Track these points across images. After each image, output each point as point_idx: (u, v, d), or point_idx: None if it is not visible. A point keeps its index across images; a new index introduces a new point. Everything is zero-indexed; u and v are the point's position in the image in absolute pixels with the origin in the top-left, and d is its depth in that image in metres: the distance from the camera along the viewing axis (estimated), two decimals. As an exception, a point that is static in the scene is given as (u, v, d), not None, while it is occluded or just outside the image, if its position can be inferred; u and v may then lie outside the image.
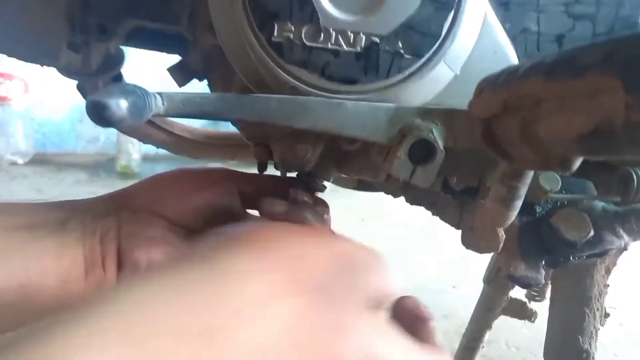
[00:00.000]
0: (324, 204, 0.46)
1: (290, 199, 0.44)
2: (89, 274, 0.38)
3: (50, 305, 0.37)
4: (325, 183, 0.51)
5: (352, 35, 0.40)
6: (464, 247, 0.50)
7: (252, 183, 0.46)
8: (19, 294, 0.36)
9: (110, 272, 0.39)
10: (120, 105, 0.30)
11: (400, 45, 0.40)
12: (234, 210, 0.45)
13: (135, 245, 0.40)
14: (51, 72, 0.64)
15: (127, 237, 0.40)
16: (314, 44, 0.40)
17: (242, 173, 0.47)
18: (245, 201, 0.45)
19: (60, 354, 0.19)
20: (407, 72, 0.40)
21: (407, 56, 0.40)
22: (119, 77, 0.73)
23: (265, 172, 0.55)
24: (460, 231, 0.52)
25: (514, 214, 0.41)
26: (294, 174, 0.51)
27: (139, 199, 0.43)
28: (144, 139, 0.86)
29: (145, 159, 3.52)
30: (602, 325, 0.75)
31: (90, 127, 4.00)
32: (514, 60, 0.44)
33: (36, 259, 0.37)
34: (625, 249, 0.49)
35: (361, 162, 0.50)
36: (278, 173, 0.53)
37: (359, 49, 0.40)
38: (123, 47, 0.65)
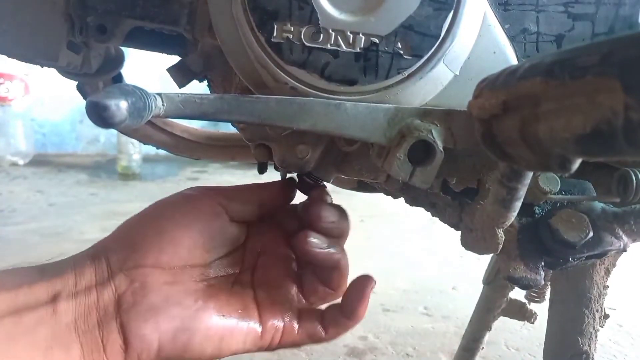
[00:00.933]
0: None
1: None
2: None
3: None
4: (325, 184, 0.51)
5: (351, 36, 0.40)
6: (463, 248, 0.50)
7: (236, 197, 0.44)
8: None
9: (116, 355, 0.36)
10: (120, 106, 0.29)
11: (400, 45, 0.40)
12: (228, 231, 0.43)
13: (139, 320, 0.37)
14: (51, 72, 0.64)
15: (128, 312, 0.37)
16: (313, 45, 0.40)
17: (221, 188, 0.45)
18: (234, 217, 0.44)
19: None
20: (406, 73, 0.40)
21: (406, 57, 0.40)
22: (119, 78, 0.73)
23: (265, 173, 0.55)
24: (459, 232, 0.52)
25: (513, 215, 0.41)
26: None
27: (127, 255, 0.39)
28: (144, 139, 0.85)
29: (146, 159, 3.52)
30: (602, 326, 0.74)
31: (90, 128, 4.00)
32: (513, 60, 0.44)
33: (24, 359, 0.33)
34: (624, 250, 0.49)
35: (361, 163, 0.50)
36: (278, 174, 0.53)
37: (358, 50, 0.40)
38: (123, 48, 0.65)
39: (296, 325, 0.42)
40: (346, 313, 0.43)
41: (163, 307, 0.38)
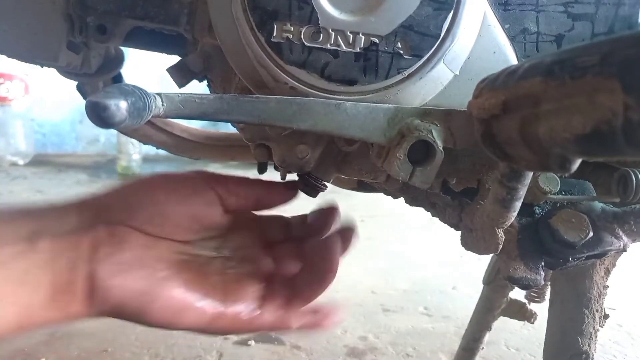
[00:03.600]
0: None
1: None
2: (55, 300, 0.37)
3: (9, 331, 0.35)
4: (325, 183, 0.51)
5: (351, 36, 0.40)
6: (463, 248, 0.50)
7: (235, 192, 0.45)
8: None
9: (79, 298, 0.37)
10: (120, 107, 0.30)
11: (400, 45, 0.40)
12: (218, 219, 0.44)
13: (109, 272, 0.38)
14: (51, 72, 0.64)
15: (102, 262, 0.38)
16: (313, 44, 0.40)
17: (223, 177, 0.45)
18: (228, 208, 0.44)
19: None
20: (406, 73, 0.40)
21: (406, 56, 0.40)
22: (119, 78, 0.73)
23: (266, 172, 0.55)
24: (459, 232, 0.52)
25: (513, 215, 0.41)
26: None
27: (116, 211, 0.41)
28: (144, 139, 0.86)
29: (146, 159, 3.52)
30: (602, 326, 0.74)
31: (90, 128, 4.00)
32: (513, 60, 0.44)
33: None
34: (624, 250, 0.49)
35: (361, 163, 0.50)
36: (278, 174, 0.53)
37: (358, 50, 0.40)
38: (123, 48, 0.65)
39: (258, 312, 0.43)
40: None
41: (134, 266, 0.39)
